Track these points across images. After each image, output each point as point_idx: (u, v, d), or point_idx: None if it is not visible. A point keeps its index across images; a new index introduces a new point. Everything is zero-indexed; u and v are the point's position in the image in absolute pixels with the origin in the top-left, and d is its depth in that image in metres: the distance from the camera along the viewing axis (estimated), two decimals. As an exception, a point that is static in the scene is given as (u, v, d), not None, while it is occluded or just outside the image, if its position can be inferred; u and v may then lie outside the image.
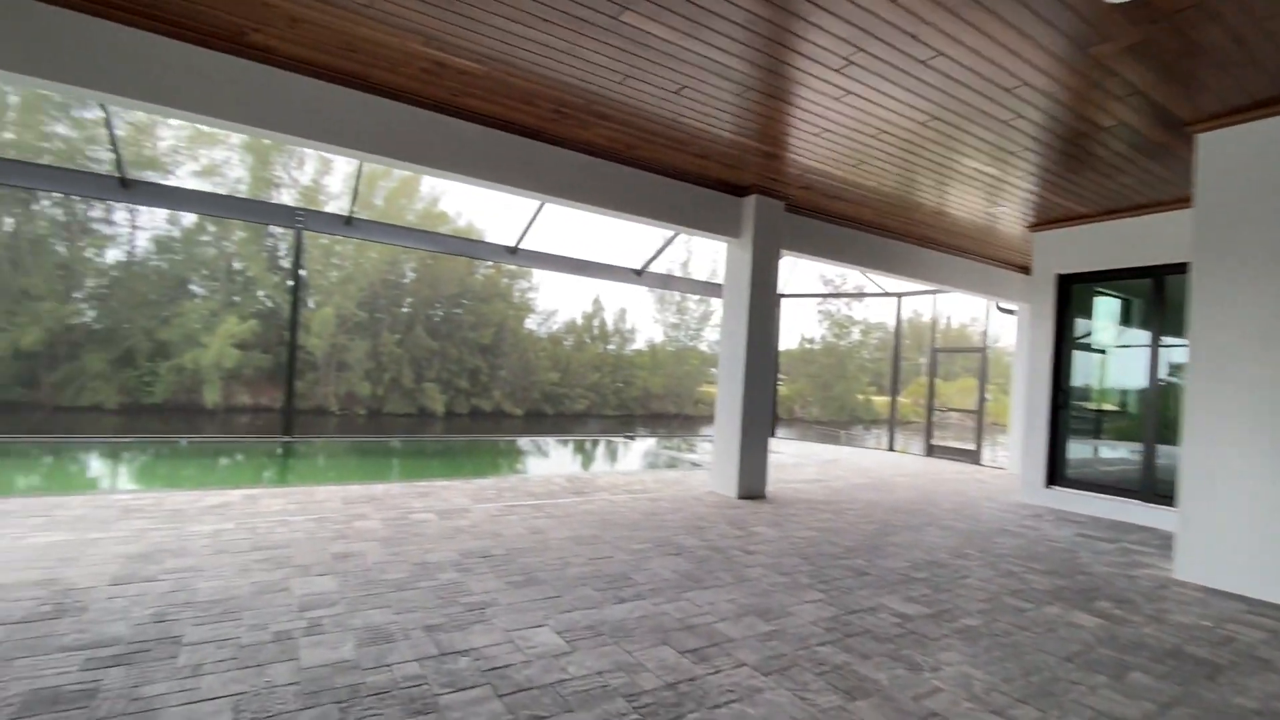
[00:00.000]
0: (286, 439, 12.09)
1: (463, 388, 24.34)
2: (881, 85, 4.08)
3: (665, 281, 11.01)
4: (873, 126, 4.76)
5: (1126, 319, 7.01)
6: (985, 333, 11.22)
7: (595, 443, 15.90)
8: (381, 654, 2.47)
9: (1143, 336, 6.58)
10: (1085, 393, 7.11)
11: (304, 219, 8.11)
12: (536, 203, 7.59)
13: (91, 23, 3.66)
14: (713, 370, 31.12)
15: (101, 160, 17.20)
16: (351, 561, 3.59)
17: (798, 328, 33.12)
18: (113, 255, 19.36)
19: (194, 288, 20.51)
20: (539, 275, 26.68)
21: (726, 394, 6.53)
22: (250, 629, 2.63)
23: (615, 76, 4.19)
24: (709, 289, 11.75)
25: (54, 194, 18.07)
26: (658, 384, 30.23)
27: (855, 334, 33.22)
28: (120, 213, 19.08)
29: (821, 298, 31.24)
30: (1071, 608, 3.56)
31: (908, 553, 4.53)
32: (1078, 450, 7.01)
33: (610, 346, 29.55)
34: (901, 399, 13.92)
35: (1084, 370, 7.11)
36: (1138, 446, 6.42)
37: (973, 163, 5.39)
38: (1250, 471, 4.11)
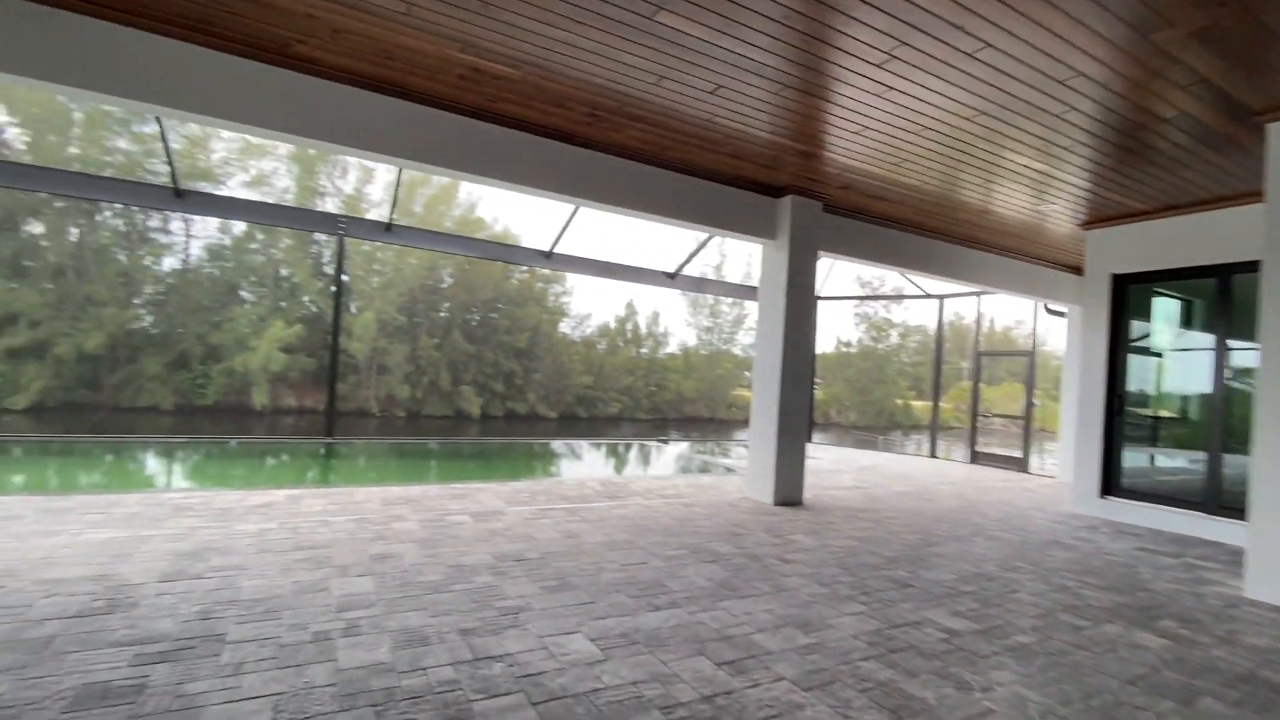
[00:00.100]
0: (328, 440, 12.40)
1: (498, 391, 24.67)
2: (925, 80, 3.95)
3: (699, 285, 10.93)
4: (915, 123, 4.61)
5: (1187, 321, 6.64)
6: (1034, 335, 10.80)
7: (628, 446, 15.89)
8: (417, 657, 2.47)
9: (1205, 339, 6.23)
10: (1141, 398, 6.76)
11: (346, 226, 8.31)
12: (571, 207, 7.62)
13: (148, 39, 3.80)
14: (746, 374, 30.84)
15: (158, 172, 18.01)
16: (389, 563, 3.63)
17: (834, 330, 32.58)
18: (169, 263, 20.28)
19: (243, 293, 21.31)
20: (572, 279, 26.90)
21: (762, 398, 6.42)
22: (290, 628, 2.66)
23: (649, 78, 4.16)
24: (743, 292, 11.62)
25: (115, 205, 18.99)
26: (691, 388, 30.10)
27: (894, 337, 32.51)
28: (176, 222, 19.97)
29: (859, 300, 30.68)
30: (1133, 626, 3.36)
31: (953, 564, 4.36)
32: (1133, 459, 6.67)
33: (643, 350, 29.57)
34: (942, 404, 13.52)
35: (1140, 374, 6.76)
36: (1199, 455, 6.06)
37: (1021, 159, 5.18)
38: (1331, 484, 3.82)
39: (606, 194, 5.46)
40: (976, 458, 10.88)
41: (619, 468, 12.14)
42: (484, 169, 4.91)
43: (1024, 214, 6.75)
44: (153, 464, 9.71)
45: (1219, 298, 5.99)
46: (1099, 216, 6.69)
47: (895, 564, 4.26)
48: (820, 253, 6.65)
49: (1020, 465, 10.10)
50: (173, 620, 2.67)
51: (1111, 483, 6.60)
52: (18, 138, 17.40)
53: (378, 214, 22.12)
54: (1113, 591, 3.97)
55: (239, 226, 20.88)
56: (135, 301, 19.54)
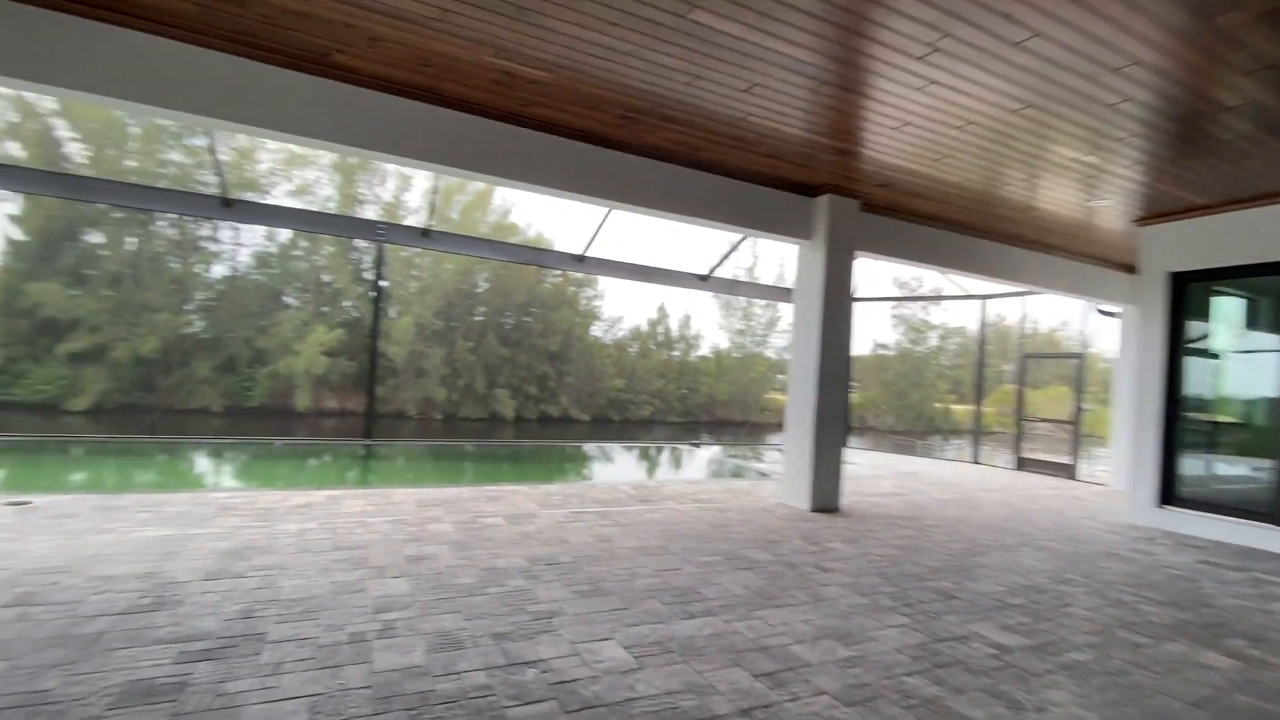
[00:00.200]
0: (368, 442, 12.67)
1: (531, 394, 24.87)
2: (969, 72, 3.81)
3: (731, 286, 10.82)
4: (958, 117, 4.46)
5: (1252, 320, 6.27)
6: (1083, 336, 10.37)
7: (660, 450, 15.82)
8: (451, 661, 2.46)
9: (1270, 340, 5.87)
10: (1200, 402, 6.40)
11: (385, 232, 8.48)
12: (603, 211, 7.62)
13: (198, 53, 3.92)
14: (779, 377, 30.46)
15: (208, 183, 18.73)
16: (424, 564, 3.65)
17: (870, 332, 31.88)
18: (218, 270, 21.04)
19: (288, 299, 21.98)
20: (604, 283, 26.98)
21: (797, 402, 6.29)
22: (328, 629, 2.69)
23: (683, 78, 4.12)
24: (776, 294, 11.46)
25: (168, 215, 19.82)
26: (723, 391, 29.85)
27: (933, 339, 31.67)
28: (225, 231, 20.71)
29: (896, 301, 30.01)
30: (1198, 645, 3.16)
31: (1001, 575, 4.18)
32: (1193, 466, 6.32)
33: (675, 353, 29.45)
34: (984, 407, 13.10)
35: (1198, 378, 6.41)
36: (1265, 463, 5.71)
37: (1070, 152, 4.97)
38: None
39: (639, 196, 5.44)
40: (1022, 464, 10.50)
41: (651, 471, 12.09)
42: (517, 173, 4.94)
43: (1073, 210, 6.48)
44: (201, 464, 10.06)
45: (1289, 296, 5.65)
46: (1154, 212, 6.38)
47: (939, 574, 4.11)
48: (857, 253, 6.49)
49: (1069, 472, 9.70)
50: (215, 618, 2.73)
51: (1170, 491, 6.27)
52: (79, 152, 18.30)
53: (415, 220, 22.60)
54: (1174, 607, 3.75)
55: (284, 234, 21.55)
56: (187, 307, 20.34)
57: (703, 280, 9.65)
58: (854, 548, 4.66)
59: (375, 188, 23.10)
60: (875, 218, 6.70)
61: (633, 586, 3.50)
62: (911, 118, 4.52)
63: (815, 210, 6.24)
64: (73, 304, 18.12)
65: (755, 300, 30.51)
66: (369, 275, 22.56)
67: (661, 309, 29.13)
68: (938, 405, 30.82)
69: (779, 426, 6.77)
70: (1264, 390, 5.88)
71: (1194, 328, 6.41)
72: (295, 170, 21.59)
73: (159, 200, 9.02)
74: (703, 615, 3.12)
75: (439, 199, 21.90)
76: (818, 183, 6.04)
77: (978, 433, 11.90)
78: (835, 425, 6.16)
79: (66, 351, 18.03)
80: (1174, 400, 6.33)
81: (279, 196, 21.35)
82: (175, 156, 19.43)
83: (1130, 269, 8.80)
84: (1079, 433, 9.93)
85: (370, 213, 22.72)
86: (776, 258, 30.57)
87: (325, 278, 22.41)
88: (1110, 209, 6.35)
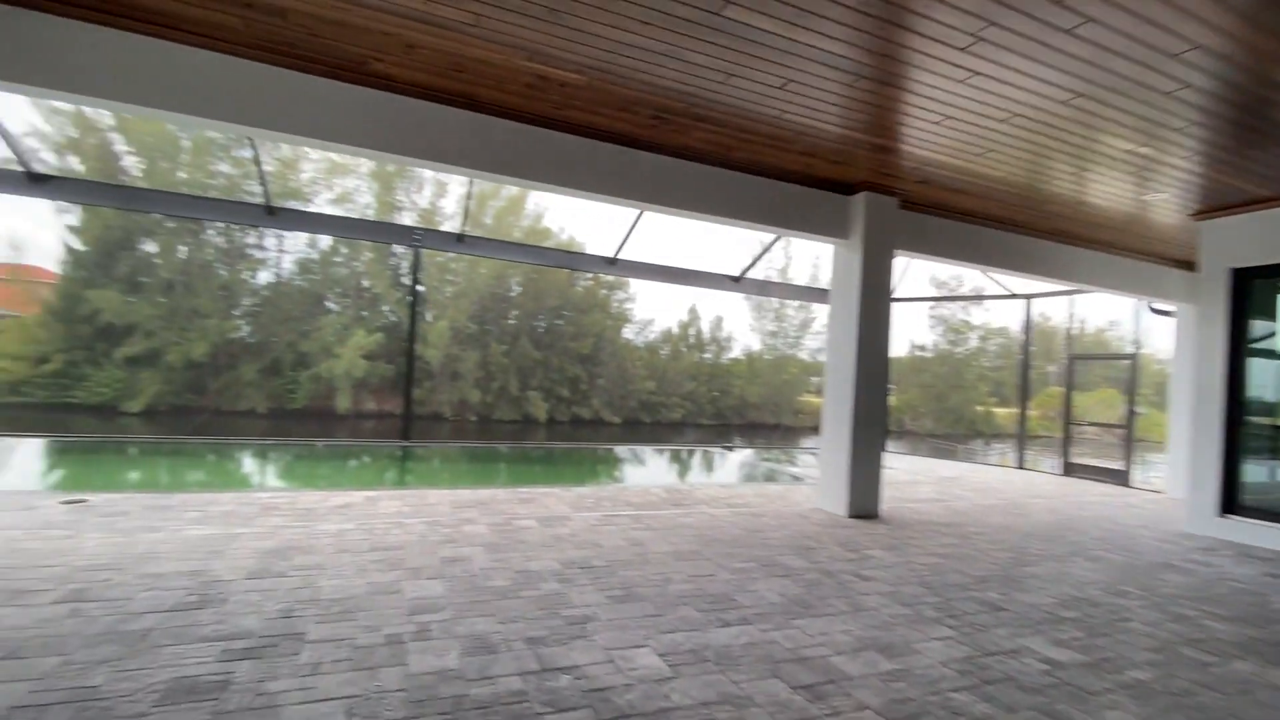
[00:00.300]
0: (405, 443, 12.91)
1: (564, 396, 25.03)
2: (1015, 62, 3.67)
3: (763, 288, 10.68)
4: (1003, 110, 4.30)
5: (1324, 319, 5.90)
6: (1135, 336, 9.93)
7: (691, 453, 15.70)
8: (485, 665, 2.46)
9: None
10: (1266, 406, 6.04)
11: (421, 237, 8.63)
12: (635, 213, 7.60)
13: (241, 65, 4.04)
14: (814, 379, 30.00)
15: (254, 192, 19.38)
16: (459, 566, 3.67)
17: (907, 334, 31.18)
18: (264, 277, 21.76)
19: (329, 304, 22.59)
20: (635, 285, 27.01)
21: (834, 404, 6.15)
22: (365, 630, 2.72)
23: (717, 76, 4.06)
24: (810, 294, 11.28)
25: (217, 223, 20.58)
26: (755, 393, 29.53)
27: (973, 340, 30.77)
28: (269, 238, 21.41)
29: (935, 301, 29.27)
30: (1269, 665, 2.96)
31: (1051, 586, 4.00)
32: (1257, 473, 5.97)
33: (706, 355, 29.28)
34: (1029, 411, 12.64)
35: (1262, 379, 6.04)
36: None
37: (1123, 144, 4.74)
38: None
39: (672, 197, 5.39)
40: (1070, 469, 10.09)
41: (683, 474, 12.01)
42: (549, 177, 4.95)
43: (1125, 204, 6.20)
44: (247, 464, 10.37)
45: (1366, 292, 5.29)
46: (1215, 205, 6.05)
47: (985, 584, 3.96)
48: (896, 252, 6.32)
49: (1121, 478, 9.28)
50: (257, 617, 2.78)
51: (1232, 500, 5.93)
52: (134, 165, 19.14)
53: (450, 226, 23.01)
54: (1242, 623, 3.53)
55: (325, 241, 22.17)
56: (234, 312, 21.08)
57: (735, 281, 9.54)
58: (894, 555, 4.52)
59: (412, 194, 23.60)
60: (914, 215, 6.52)
61: (666, 592, 3.45)
62: (954, 111, 4.37)
63: (852, 208, 6.10)
64: (129, 310, 18.95)
65: (788, 301, 30.13)
66: (406, 280, 23.04)
67: (693, 311, 29.02)
68: (979, 408, 29.93)
69: (813, 430, 6.64)
70: (1338, 393, 5.52)
71: (1258, 326, 6.06)
72: (336, 179, 22.20)
73: (208, 210, 9.37)
74: (739, 623, 3.06)
75: (473, 204, 22.24)
76: (854, 180, 5.91)
77: (1022, 437, 11.49)
78: (873, 428, 6.00)
79: (123, 355, 18.87)
80: (1236, 403, 5.99)
81: (320, 204, 22.02)
82: (224, 168, 20.19)
83: (1186, 265, 8.38)
84: (1132, 437, 9.50)
85: (407, 219, 23.22)
86: (809, 258, 30.18)
87: (365, 283, 22.97)
88: (1166, 202, 6.05)
